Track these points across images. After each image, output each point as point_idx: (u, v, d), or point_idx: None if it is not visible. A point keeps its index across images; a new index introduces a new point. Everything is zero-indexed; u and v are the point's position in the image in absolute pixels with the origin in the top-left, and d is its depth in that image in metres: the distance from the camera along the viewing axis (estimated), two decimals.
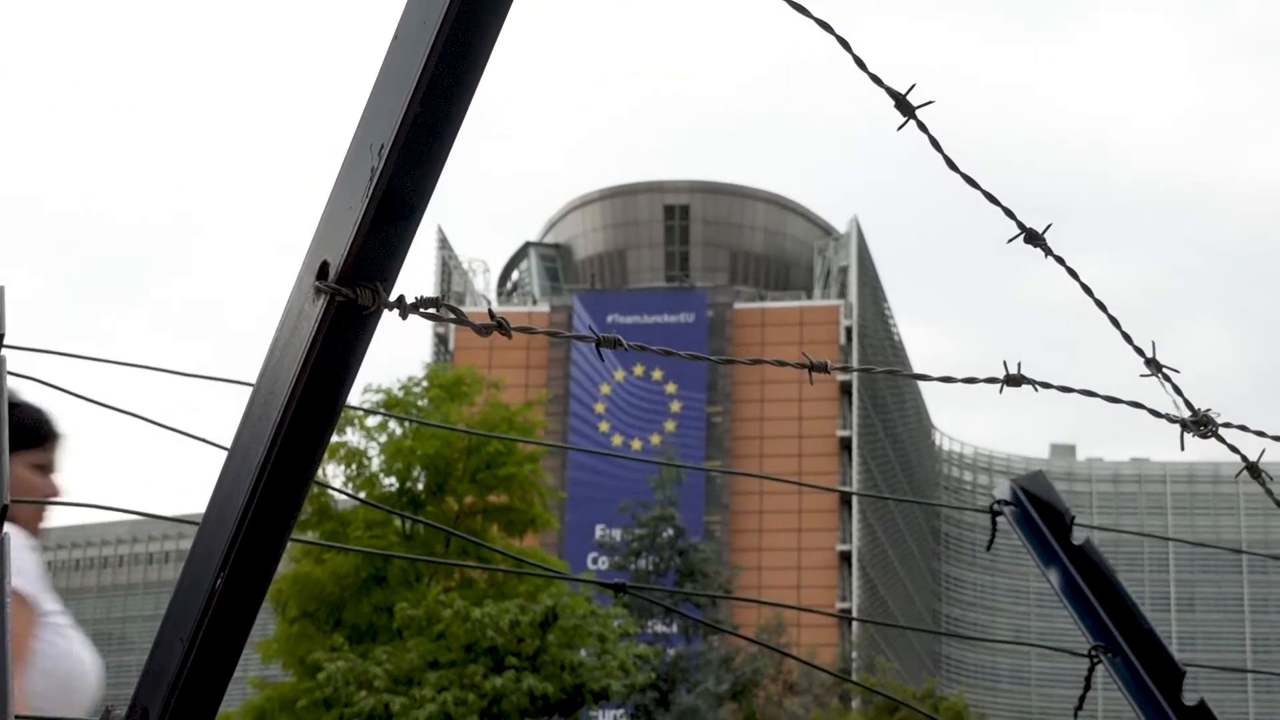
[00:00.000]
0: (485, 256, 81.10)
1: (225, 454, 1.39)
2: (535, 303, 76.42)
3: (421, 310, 1.28)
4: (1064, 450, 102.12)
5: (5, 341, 2.50)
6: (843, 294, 73.91)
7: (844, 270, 74.69)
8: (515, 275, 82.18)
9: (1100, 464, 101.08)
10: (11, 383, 2.21)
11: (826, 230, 79.79)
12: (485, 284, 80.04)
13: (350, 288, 1.27)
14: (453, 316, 1.27)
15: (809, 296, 75.89)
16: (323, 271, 1.29)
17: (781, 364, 1.32)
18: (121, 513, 2.48)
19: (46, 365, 2.57)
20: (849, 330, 71.73)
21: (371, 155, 1.27)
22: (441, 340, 71.45)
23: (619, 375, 69.71)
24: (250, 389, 1.39)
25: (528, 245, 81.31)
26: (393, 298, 1.29)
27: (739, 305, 72.72)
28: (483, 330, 1.28)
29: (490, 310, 1.31)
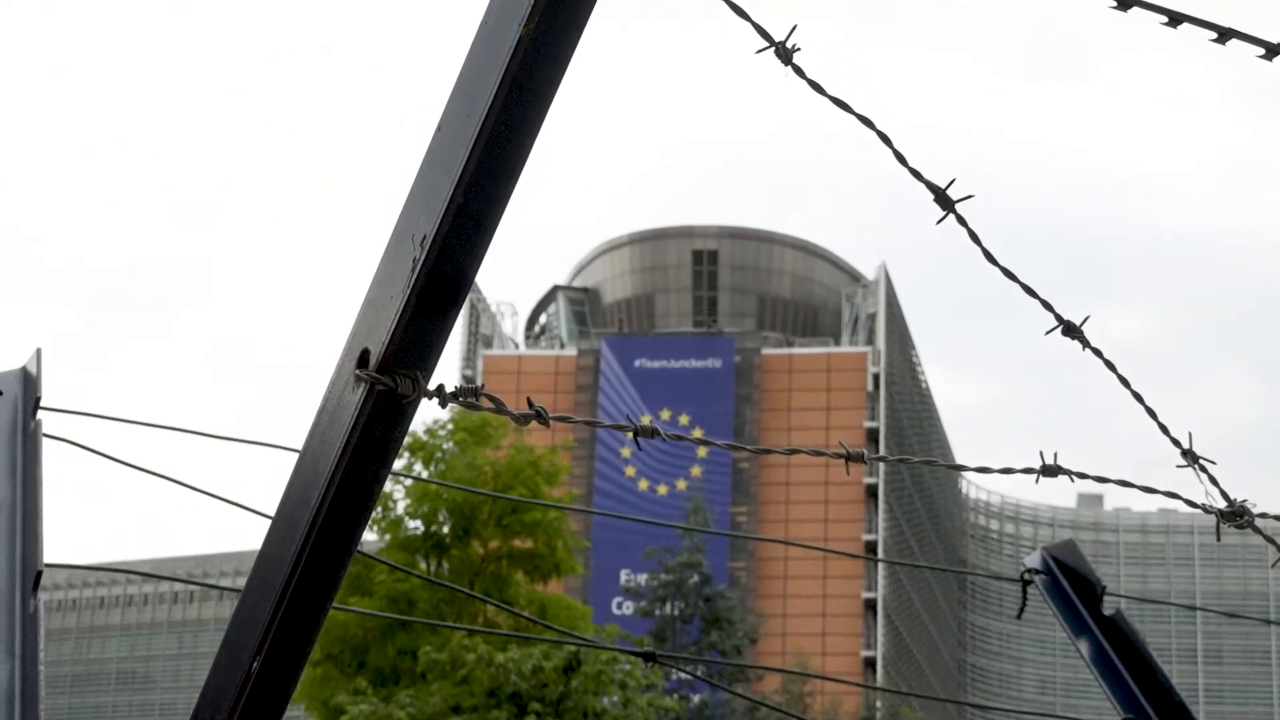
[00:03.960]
0: (513, 299, 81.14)
1: (266, 523, 1.40)
2: (563, 346, 76.52)
3: (461, 399, 1.29)
4: (1091, 500, 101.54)
5: (42, 404, 2.52)
6: (870, 340, 73.86)
7: (872, 317, 74.66)
8: (543, 318, 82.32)
9: (1128, 514, 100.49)
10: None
11: (855, 277, 79.80)
12: (513, 327, 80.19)
13: (390, 376, 1.28)
14: (492, 406, 1.28)
15: (836, 343, 75.87)
16: (363, 359, 1.30)
17: (819, 453, 1.33)
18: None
19: (79, 426, 2.59)
20: (876, 377, 71.64)
21: (414, 246, 1.28)
22: (469, 382, 71.54)
23: (645, 420, 69.61)
24: (280, 449, 1.40)
25: (556, 289, 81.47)
26: (432, 385, 1.30)
27: (766, 351, 72.71)
28: (522, 420, 1.29)
29: (529, 399, 1.31)
